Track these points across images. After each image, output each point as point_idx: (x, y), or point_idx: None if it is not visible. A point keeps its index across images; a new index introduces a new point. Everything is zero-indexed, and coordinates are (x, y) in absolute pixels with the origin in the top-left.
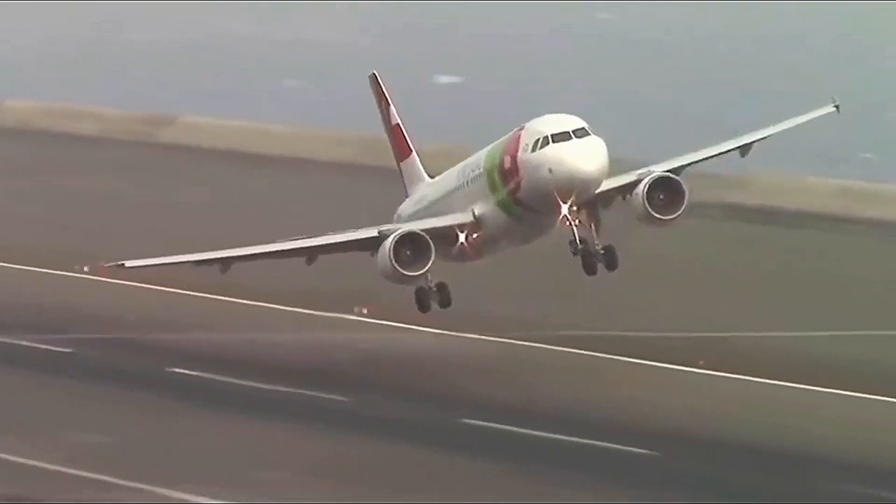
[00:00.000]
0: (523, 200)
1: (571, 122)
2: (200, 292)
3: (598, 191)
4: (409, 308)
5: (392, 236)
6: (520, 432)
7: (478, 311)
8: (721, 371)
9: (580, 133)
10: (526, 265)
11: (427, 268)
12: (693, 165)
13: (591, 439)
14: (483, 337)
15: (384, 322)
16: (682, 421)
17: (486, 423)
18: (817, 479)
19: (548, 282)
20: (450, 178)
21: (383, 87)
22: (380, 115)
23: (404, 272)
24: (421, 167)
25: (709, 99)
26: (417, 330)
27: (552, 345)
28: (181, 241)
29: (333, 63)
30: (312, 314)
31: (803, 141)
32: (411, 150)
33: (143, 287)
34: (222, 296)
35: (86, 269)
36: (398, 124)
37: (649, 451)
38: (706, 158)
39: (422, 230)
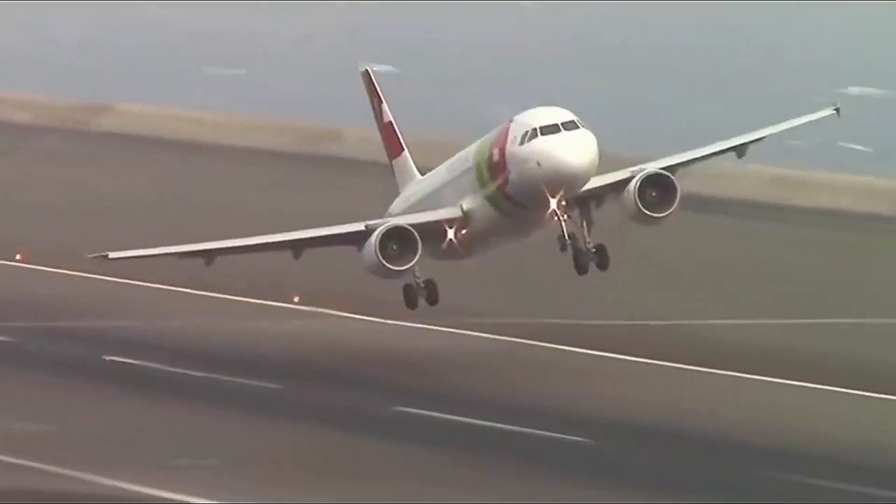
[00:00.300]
0: (512, 195)
1: (560, 115)
2: (137, 280)
3: (589, 187)
4: (341, 295)
5: (378, 230)
6: (451, 419)
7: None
8: (660, 360)
9: (569, 126)
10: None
11: (413, 263)
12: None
13: (523, 427)
14: (415, 325)
15: (317, 310)
16: (617, 410)
17: (416, 411)
18: (750, 466)
19: (491, 269)
20: (439, 173)
21: (376, 84)
22: (372, 112)
23: (390, 266)
24: (412, 165)
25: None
26: (349, 318)
27: (485, 333)
28: (119, 230)
29: (271, 53)
30: (249, 302)
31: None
32: (403, 148)
33: (79, 276)
34: (159, 284)
35: (18, 257)
36: (391, 121)
37: (582, 439)
38: (701, 158)
39: (409, 224)
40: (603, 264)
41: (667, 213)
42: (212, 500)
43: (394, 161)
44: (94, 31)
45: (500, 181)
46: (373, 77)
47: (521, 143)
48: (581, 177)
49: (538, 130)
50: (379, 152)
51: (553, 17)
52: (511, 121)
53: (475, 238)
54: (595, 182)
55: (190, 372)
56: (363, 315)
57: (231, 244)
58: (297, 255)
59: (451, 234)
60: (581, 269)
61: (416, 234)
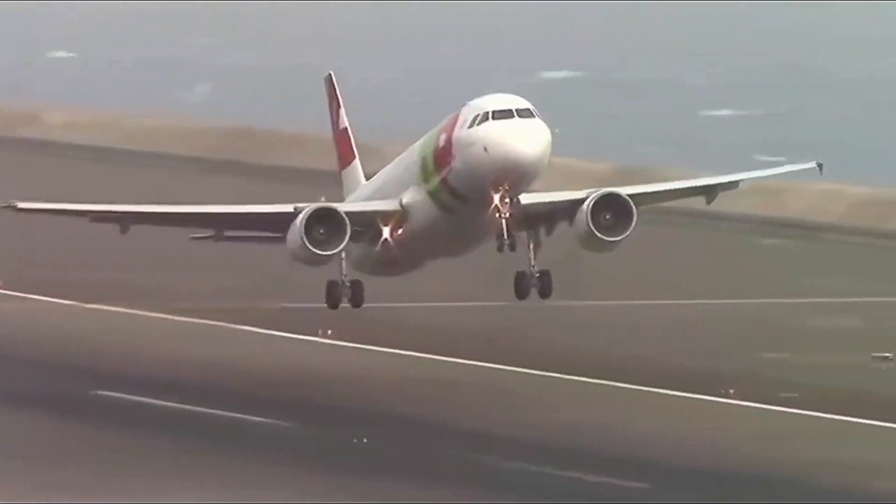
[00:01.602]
0: (454, 185)
1: (516, 102)
2: None
3: (541, 201)
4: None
5: (305, 211)
6: (156, 404)
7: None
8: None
9: (524, 114)
10: None
11: (340, 248)
12: None
13: (226, 410)
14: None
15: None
16: (309, 389)
17: (118, 395)
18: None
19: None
20: (385, 171)
21: (336, 89)
22: (329, 117)
23: (314, 250)
24: (362, 173)
25: None
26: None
27: (180, 316)
28: None
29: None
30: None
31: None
32: (355, 156)
33: None
34: None
35: None
36: (346, 128)
37: (275, 421)
38: (665, 192)
39: (340, 210)
40: (545, 292)
41: (620, 237)
42: None
43: (343, 171)
44: None
45: (444, 172)
46: (334, 81)
47: (471, 126)
48: (529, 168)
49: (490, 114)
50: (81, 135)
51: None
52: (464, 105)
53: (413, 240)
54: (547, 197)
55: None
56: (59, 299)
57: (146, 209)
58: (216, 238)
59: (386, 232)
60: (521, 293)
61: (345, 216)
